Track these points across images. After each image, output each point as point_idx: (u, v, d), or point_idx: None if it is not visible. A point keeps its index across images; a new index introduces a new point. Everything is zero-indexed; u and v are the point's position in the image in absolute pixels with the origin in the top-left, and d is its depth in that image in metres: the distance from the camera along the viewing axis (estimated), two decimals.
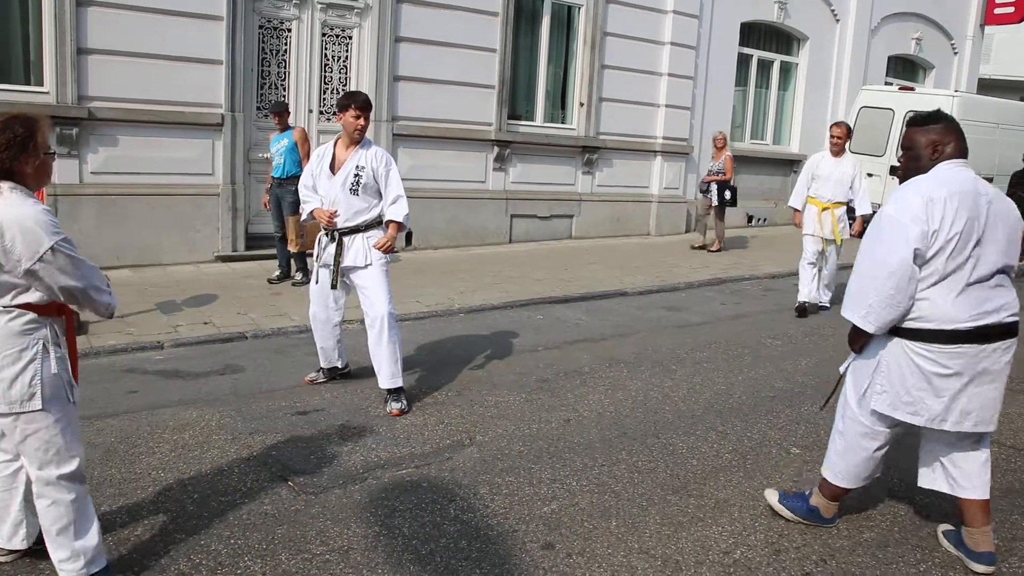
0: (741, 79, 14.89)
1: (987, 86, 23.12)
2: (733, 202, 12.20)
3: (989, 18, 18.94)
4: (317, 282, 5.43)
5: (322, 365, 5.72)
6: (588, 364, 6.38)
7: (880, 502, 4.22)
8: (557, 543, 3.65)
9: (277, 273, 8.90)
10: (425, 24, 10.66)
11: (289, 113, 8.84)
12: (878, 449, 3.67)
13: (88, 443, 4.50)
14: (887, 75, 17.26)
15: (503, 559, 3.50)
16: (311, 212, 5.36)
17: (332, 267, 5.27)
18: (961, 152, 3.45)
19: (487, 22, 11.23)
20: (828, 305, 8.74)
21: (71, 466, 3.03)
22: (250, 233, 9.88)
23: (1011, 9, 18.50)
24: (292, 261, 8.91)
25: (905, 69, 18.18)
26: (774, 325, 8.02)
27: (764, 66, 15.37)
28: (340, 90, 10.40)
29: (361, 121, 5.18)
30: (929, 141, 3.46)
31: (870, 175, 11.51)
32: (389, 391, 5.24)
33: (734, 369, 6.44)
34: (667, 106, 13.26)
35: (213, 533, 3.63)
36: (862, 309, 3.39)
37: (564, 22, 12.46)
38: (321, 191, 5.31)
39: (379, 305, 5.20)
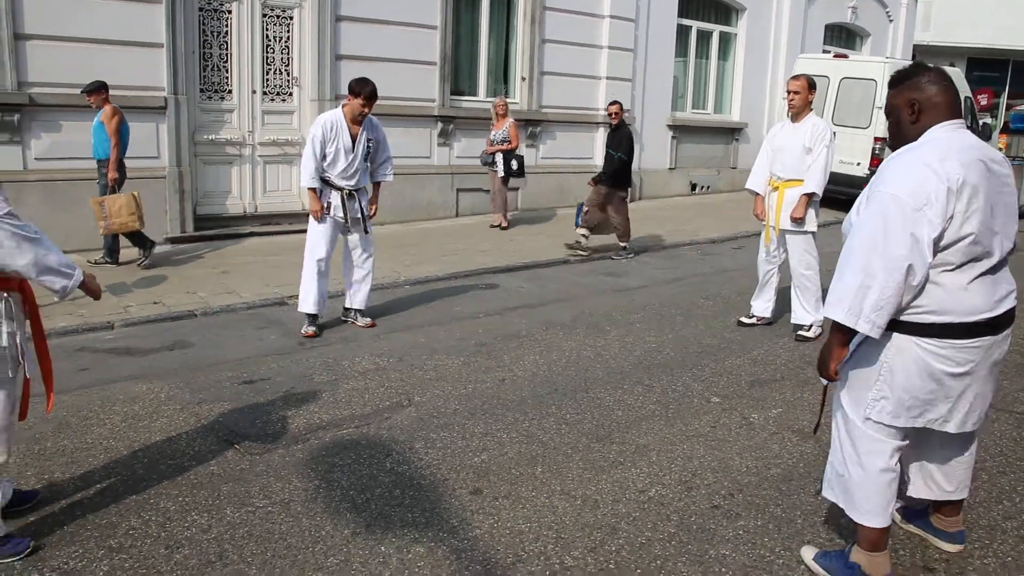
0: (681, 50, 15.17)
1: (928, 52, 23.71)
2: (520, 172, 11.25)
3: None
4: (347, 228, 6.56)
5: (317, 312, 6.56)
6: (526, 328, 6.67)
7: (790, 442, 4.57)
8: (485, 488, 3.94)
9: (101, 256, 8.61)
10: (366, 3, 10.77)
11: (104, 92, 8.32)
12: (898, 463, 3.11)
13: (40, 418, 4.67)
14: (825, 43, 17.65)
15: (433, 503, 3.78)
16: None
17: (356, 217, 6.55)
18: (952, 110, 2.91)
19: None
20: (811, 333, 6.57)
21: None
22: (199, 214, 10.00)
23: None
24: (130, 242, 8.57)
25: (843, 37, 18.60)
26: (708, 287, 8.38)
27: (703, 37, 15.67)
28: (283, 71, 10.51)
29: (365, 109, 6.37)
30: (906, 100, 2.95)
31: None
32: (360, 311, 6.79)
33: (665, 328, 6.77)
34: (608, 78, 13.51)
35: (162, 493, 3.86)
36: (869, 312, 2.78)
37: None
38: (342, 160, 6.38)
39: (373, 246, 6.79)
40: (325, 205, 6.43)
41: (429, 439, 4.49)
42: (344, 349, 6.10)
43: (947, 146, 2.81)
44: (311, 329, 6.51)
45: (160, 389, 5.20)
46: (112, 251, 8.62)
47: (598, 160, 13.62)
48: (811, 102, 6.53)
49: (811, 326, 6.58)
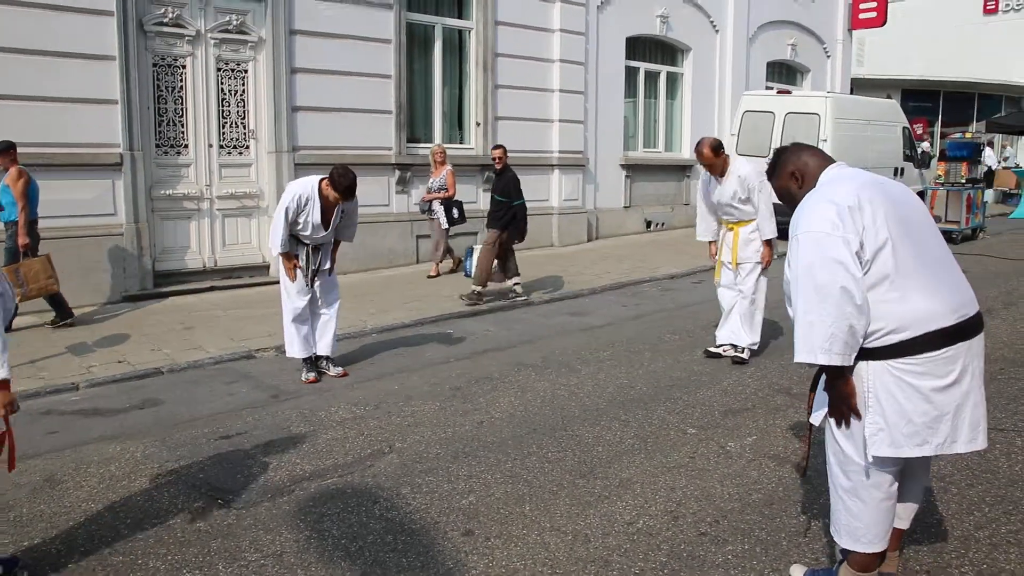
0: (630, 91, 15.56)
1: (864, 85, 24.61)
2: (462, 219, 11.05)
3: (855, 23, 20.21)
4: (308, 285, 6.56)
5: (305, 356, 6.62)
6: (498, 371, 6.72)
7: (768, 468, 4.67)
8: (476, 529, 3.96)
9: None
10: (319, 54, 10.88)
11: (11, 153, 7.98)
12: (894, 491, 3.13)
13: (12, 484, 4.59)
14: (768, 80, 18.24)
15: (427, 547, 3.79)
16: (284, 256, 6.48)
17: (313, 271, 6.55)
18: (827, 159, 3.23)
19: (380, 49, 11.53)
20: (745, 356, 6.89)
21: None
22: (158, 270, 9.90)
23: (874, 14, 19.80)
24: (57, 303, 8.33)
25: (784, 73, 19.23)
26: (672, 322, 8.52)
27: (651, 77, 16.08)
28: (239, 124, 10.52)
29: (340, 201, 6.29)
30: (787, 176, 3.27)
31: None
32: (329, 357, 6.75)
33: (635, 364, 6.87)
34: (561, 121, 13.78)
35: (150, 552, 3.81)
36: (822, 343, 2.86)
37: (456, 46, 12.86)
38: (310, 230, 6.34)
39: (336, 292, 6.82)
40: (295, 258, 6.45)
41: (415, 484, 4.49)
42: (319, 399, 6.08)
43: (838, 180, 3.08)
44: (311, 375, 6.60)
45: (135, 448, 5.12)
46: (63, 312, 8.35)
47: (553, 202, 13.88)
48: (726, 158, 6.73)
49: (744, 348, 6.92)
